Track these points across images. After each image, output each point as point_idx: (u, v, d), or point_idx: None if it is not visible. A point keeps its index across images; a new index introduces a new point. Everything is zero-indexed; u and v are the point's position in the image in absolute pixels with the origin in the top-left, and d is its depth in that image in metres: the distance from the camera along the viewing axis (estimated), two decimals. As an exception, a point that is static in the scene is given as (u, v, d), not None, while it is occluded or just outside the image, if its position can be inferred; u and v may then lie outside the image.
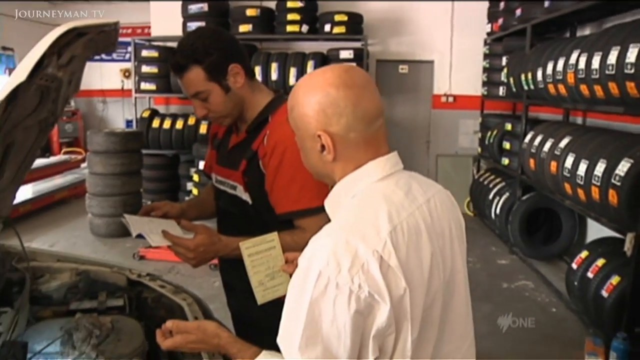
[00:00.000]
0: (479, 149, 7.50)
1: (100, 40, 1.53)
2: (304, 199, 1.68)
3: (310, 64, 7.04)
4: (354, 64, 1.17)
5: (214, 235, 1.70)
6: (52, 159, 10.08)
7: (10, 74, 10.44)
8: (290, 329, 1.04)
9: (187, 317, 1.88)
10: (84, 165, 9.47)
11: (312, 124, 1.12)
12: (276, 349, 1.75)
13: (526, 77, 5.16)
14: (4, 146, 1.46)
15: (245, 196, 1.77)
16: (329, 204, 1.20)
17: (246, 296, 1.86)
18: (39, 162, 8.62)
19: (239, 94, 1.74)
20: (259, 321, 1.85)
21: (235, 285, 1.94)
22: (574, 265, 4.17)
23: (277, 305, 1.74)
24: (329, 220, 1.43)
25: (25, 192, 7.21)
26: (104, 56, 10.27)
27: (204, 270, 4.93)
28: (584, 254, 4.15)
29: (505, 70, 6.29)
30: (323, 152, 1.12)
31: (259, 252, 1.51)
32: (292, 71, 7.09)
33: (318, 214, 1.70)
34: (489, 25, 7.26)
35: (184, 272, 4.93)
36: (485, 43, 7.35)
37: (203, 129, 7.25)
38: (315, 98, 1.10)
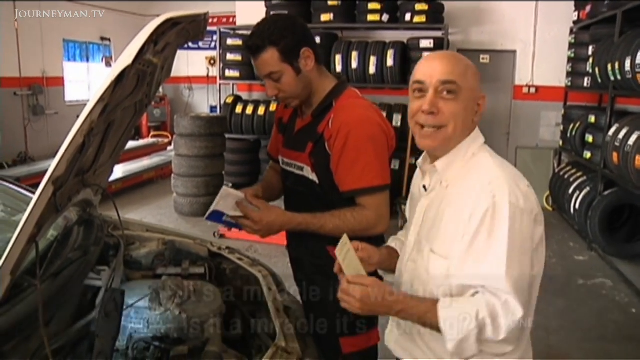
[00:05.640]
0: (561, 142, 7.27)
1: (192, 29, 1.69)
2: (366, 178, 1.79)
3: (390, 53, 7.07)
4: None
5: (276, 210, 1.84)
6: (141, 142, 10.70)
7: (106, 62, 11.20)
8: (491, 259, 1.26)
9: (262, 288, 2.04)
10: (170, 148, 10.00)
11: (478, 92, 1.42)
12: (340, 319, 1.89)
13: (613, 66, 4.95)
14: (106, 124, 1.65)
15: (312, 176, 1.89)
16: (450, 157, 1.43)
17: (313, 270, 1.99)
18: (130, 144, 9.13)
19: (308, 77, 1.85)
20: (326, 293, 1.97)
21: (303, 259, 2.07)
22: (656, 264, 4.01)
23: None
24: (387, 199, 1.84)
25: (116, 172, 7.73)
26: (190, 45, 10.74)
27: (280, 250, 5.10)
28: (667, 252, 3.98)
29: (591, 60, 6.05)
30: (476, 115, 1.42)
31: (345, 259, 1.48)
32: (372, 60, 7.15)
33: (378, 192, 1.81)
34: (576, 13, 6.98)
35: (261, 251, 5.13)
36: (571, 32, 7.09)
37: (284, 116, 7.45)
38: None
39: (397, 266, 1.61)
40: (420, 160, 1.56)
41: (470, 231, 1.28)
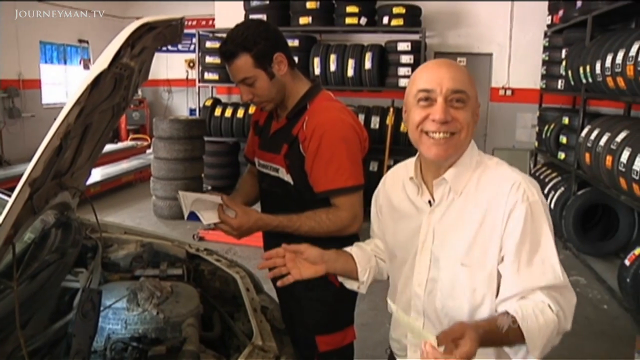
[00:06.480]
0: (536, 143, 7.41)
1: (168, 33, 1.71)
2: (340, 178, 1.83)
3: (368, 56, 7.13)
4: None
5: (253, 215, 1.87)
6: (120, 145, 10.64)
7: (84, 64, 11.12)
8: (544, 260, 1.28)
9: (240, 289, 2.06)
10: (149, 151, 9.96)
11: (477, 100, 1.38)
12: (316, 317, 1.92)
13: (584, 69, 5.07)
14: (83, 127, 1.66)
15: (287, 177, 1.93)
16: (458, 166, 1.39)
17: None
18: (108, 147, 9.13)
19: (282, 81, 1.89)
20: (301, 293, 2.01)
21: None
22: (627, 262, 4.12)
23: (319, 279, 1.90)
24: (361, 199, 1.86)
25: (94, 175, 7.67)
26: (170, 47, 10.73)
27: (259, 251, 5.12)
28: (637, 250, 4.10)
29: (564, 63, 6.18)
30: (475, 123, 1.38)
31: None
32: (350, 62, 7.19)
33: (352, 193, 1.86)
34: (550, 17, 7.13)
35: (240, 253, 5.15)
36: (545, 35, 7.23)
37: (262, 118, 7.48)
38: None
39: (403, 291, 1.50)
40: (412, 175, 1.47)
41: (513, 237, 1.28)
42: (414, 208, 1.47)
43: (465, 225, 1.35)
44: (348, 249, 1.66)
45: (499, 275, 1.32)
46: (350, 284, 1.63)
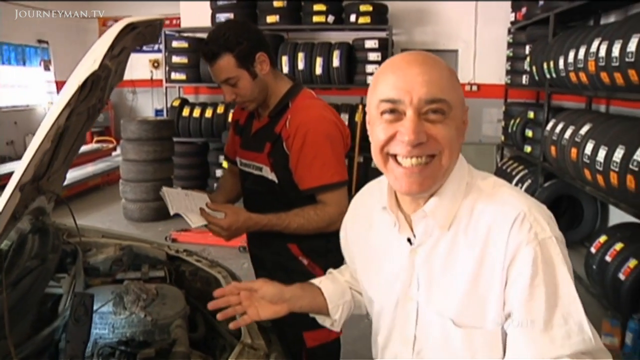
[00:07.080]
0: (502, 137, 7.56)
1: (147, 33, 1.70)
2: (326, 175, 1.85)
3: (336, 54, 7.18)
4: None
5: (243, 214, 1.88)
6: (84, 148, 10.39)
7: (45, 66, 10.81)
8: (566, 319, 0.96)
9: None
10: (115, 153, 9.78)
11: (464, 105, 1.08)
12: (301, 319, 1.87)
13: (548, 65, 5.19)
14: (60, 130, 1.63)
15: (271, 176, 1.94)
16: (442, 195, 1.07)
17: (274, 267, 2.04)
18: (73, 150, 8.90)
19: (264, 81, 1.91)
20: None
21: (264, 258, 2.11)
22: (593, 250, 4.25)
23: (304, 275, 1.91)
24: (346, 194, 1.82)
25: (60, 179, 7.48)
26: (134, 47, 10.52)
27: (233, 252, 5.14)
28: (602, 238, 4.22)
29: (528, 59, 6.32)
30: (462, 135, 1.07)
31: None
32: (319, 61, 7.23)
33: (338, 189, 1.88)
34: (513, 14, 7.27)
35: (214, 253, 5.07)
36: (509, 32, 7.38)
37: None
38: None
39: (386, 345, 1.22)
40: (385, 205, 1.14)
41: (518, 291, 0.97)
42: (391, 245, 1.16)
43: (457, 271, 1.05)
44: (317, 281, 1.44)
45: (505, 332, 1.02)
46: (322, 320, 1.42)
